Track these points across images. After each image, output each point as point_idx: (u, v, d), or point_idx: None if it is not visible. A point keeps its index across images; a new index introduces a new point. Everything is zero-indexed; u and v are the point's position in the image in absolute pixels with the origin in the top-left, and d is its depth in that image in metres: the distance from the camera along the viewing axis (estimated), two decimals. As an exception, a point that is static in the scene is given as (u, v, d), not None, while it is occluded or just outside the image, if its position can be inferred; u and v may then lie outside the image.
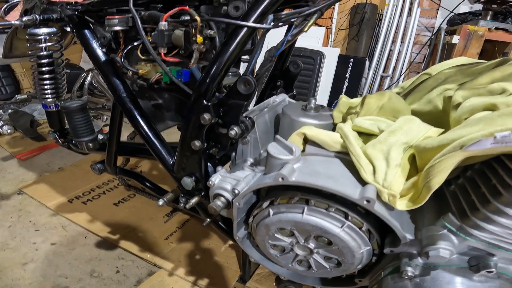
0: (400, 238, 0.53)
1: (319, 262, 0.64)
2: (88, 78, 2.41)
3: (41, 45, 1.00)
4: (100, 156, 1.12)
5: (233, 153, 0.78)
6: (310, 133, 0.63)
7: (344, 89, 2.58)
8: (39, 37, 0.99)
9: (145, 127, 0.89)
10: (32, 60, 1.04)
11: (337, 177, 0.56)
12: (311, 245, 0.62)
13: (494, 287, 0.49)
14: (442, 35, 2.47)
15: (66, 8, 0.93)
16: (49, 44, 1.01)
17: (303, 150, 0.66)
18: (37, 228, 1.39)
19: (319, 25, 2.88)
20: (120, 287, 1.14)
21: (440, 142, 0.45)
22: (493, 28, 2.01)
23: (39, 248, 1.28)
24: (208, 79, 0.69)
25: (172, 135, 1.04)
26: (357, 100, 0.71)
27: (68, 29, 0.98)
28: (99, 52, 0.92)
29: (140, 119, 0.89)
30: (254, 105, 0.84)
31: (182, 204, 0.85)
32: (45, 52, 1.02)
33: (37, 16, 0.95)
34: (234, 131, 0.68)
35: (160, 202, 0.88)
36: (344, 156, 0.61)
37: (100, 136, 1.07)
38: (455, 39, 2.08)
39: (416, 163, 0.52)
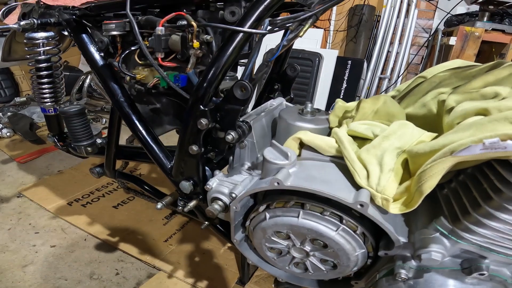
0: (393, 241, 0.53)
1: (315, 265, 0.65)
2: (87, 81, 2.42)
3: (39, 49, 1.00)
4: (99, 160, 1.13)
5: (231, 157, 0.79)
6: (306, 138, 0.63)
7: (343, 91, 2.58)
8: (37, 41, 0.99)
9: (143, 131, 0.89)
10: (30, 64, 1.05)
11: (331, 182, 0.57)
12: (307, 248, 0.63)
13: (486, 289, 0.50)
14: (439, 37, 2.48)
15: (63, 12, 0.94)
16: (47, 48, 1.02)
17: (299, 155, 0.66)
18: (37, 231, 1.40)
19: (317, 27, 2.88)
20: (119, 290, 1.15)
21: (431, 147, 0.46)
22: (490, 29, 2.02)
23: (39, 251, 1.29)
24: (205, 84, 0.69)
25: (171, 138, 1.04)
26: (353, 104, 0.72)
27: (66, 33, 0.99)
28: (97, 56, 0.92)
29: (138, 124, 0.89)
30: (252, 109, 0.85)
31: (180, 208, 0.86)
32: (43, 56, 1.02)
33: (35, 20, 0.95)
34: (231, 135, 0.68)
35: (159, 205, 0.88)
36: (339, 160, 0.61)
37: (99, 140, 1.08)
38: (452, 40, 2.09)
39: (409, 167, 0.53)
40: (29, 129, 2.22)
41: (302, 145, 0.66)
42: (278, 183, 0.57)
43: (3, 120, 2.33)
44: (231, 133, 0.68)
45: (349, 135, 0.62)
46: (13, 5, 1.14)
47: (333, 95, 2.53)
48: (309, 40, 2.60)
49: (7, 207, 1.54)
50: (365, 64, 2.67)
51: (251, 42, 0.82)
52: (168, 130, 1.06)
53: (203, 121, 0.70)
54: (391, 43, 2.69)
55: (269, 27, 0.68)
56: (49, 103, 1.09)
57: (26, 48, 1.02)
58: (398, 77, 2.70)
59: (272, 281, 0.83)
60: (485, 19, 2.07)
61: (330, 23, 2.95)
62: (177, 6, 0.78)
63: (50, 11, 0.97)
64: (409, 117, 0.68)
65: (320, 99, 2.49)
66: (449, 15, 2.44)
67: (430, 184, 0.45)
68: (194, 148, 0.75)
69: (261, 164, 0.65)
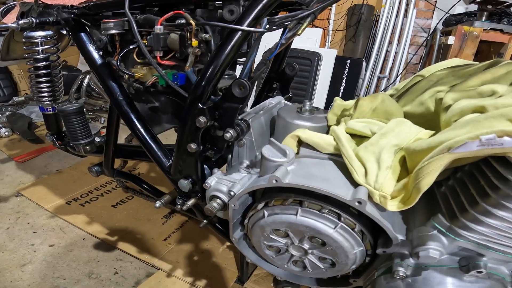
0: (391, 238, 0.54)
1: (313, 263, 0.65)
2: (86, 80, 2.41)
3: (37, 48, 1.00)
4: (98, 159, 1.13)
5: (229, 155, 0.79)
6: (304, 135, 0.63)
7: (341, 90, 2.58)
8: (36, 40, 0.99)
9: (141, 130, 0.89)
10: (29, 63, 1.05)
11: (330, 179, 0.57)
12: (306, 245, 0.63)
13: (484, 287, 0.50)
14: (438, 36, 2.49)
15: (62, 11, 0.94)
16: (46, 47, 1.01)
17: (297, 153, 0.67)
18: (35, 230, 1.40)
19: (316, 27, 2.89)
20: (118, 289, 1.15)
21: (429, 145, 0.46)
22: (488, 28, 2.02)
23: (37, 250, 1.29)
24: (204, 82, 0.69)
25: (170, 137, 1.04)
26: (351, 102, 0.72)
27: (65, 32, 0.99)
28: (95, 55, 0.92)
29: (136, 122, 0.89)
30: (251, 107, 0.85)
31: (179, 206, 0.86)
32: (41, 55, 1.02)
33: (33, 19, 0.95)
34: (230, 133, 0.68)
35: (157, 204, 0.88)
36: (337, 158, 0.61)
37: (97, 139, 1.07)
38: (451, 40, 2.09)
39: (407, 164, 0.53)
40: (27, 128, 2.21)
41: (300, 143, 0.66)
42: (276, 180, 0.58)
43: (1, 119, 2.33)
44: (230, 131, 0.68)
45: (347, 133, 0.63)
46: (12, 4, 1.14)
47: (332, 94, 2.53)
48: (308, 39, 2.60)
49: (6, 207, 1.53)
50: (364, 64, 2.67)
51: (250, 40, 0.82)
52: (166, 129, 1.06)
53: (202, 119, 0.70)
54: (390, 42, 2.70)
55: (267, 26, 0.68)
56: (48, 102, 1.09)
57: (25, 47, 1.02)
58: (397, 76, 2.70)
59: (271, 280, 0.83)
60: (484, 18, 2.08)
61: (329, 23, 2.95)
62: (176, 4, 0.78)
63: (49, 10, 0.97)
64: (407, 115, 0.68)
65: (319, 99, 2.49)
66: (447, 14, 2.45)
67: (427, 181, 0.45)
68: (193, 146, 0.75)
69: (260, 162, 0.65)
